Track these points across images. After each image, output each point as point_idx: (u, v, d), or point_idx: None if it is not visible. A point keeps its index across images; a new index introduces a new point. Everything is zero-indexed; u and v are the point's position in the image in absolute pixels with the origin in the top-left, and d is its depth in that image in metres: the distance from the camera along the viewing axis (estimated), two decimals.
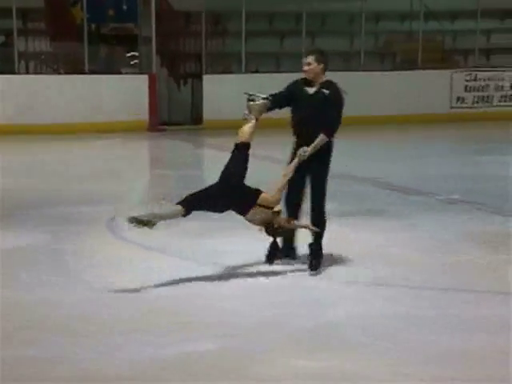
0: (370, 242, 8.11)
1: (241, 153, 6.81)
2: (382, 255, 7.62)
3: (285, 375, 4.96)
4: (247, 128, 6.86)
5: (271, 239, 6.85)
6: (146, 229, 6.61)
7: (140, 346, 5.36)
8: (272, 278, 6.85)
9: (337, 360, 5.16)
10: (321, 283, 6.76)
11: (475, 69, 20.45)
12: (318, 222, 7.01)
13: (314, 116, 6.90)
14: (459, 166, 13.51)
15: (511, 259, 7.49)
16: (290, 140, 7.19)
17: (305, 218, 7.17)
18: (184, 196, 6.72)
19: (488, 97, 20.48)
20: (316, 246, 7.09)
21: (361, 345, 5.41)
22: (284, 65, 20.21)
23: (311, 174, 6.98)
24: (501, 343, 5.37)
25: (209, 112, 18.36)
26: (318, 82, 7.03)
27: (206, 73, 18.73)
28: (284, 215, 6.92)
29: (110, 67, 19.38)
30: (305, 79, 7.08)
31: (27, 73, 18.70)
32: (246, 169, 6.76)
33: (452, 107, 20.21)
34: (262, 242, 7.14)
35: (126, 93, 17.85)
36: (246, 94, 6.95)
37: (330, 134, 6.95)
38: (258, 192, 6.70)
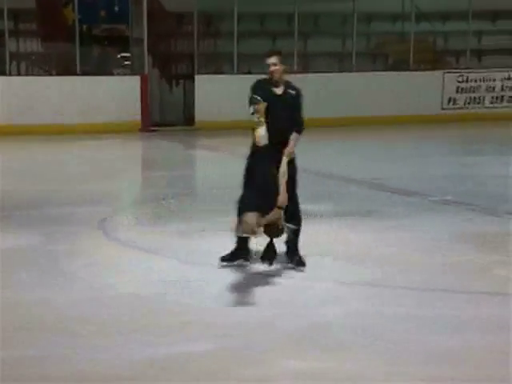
0: (367, 243, 8.12)
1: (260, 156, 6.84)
2: (379, 256, 7.63)
3: (283, 376, 4.95)
4: (263, 132, 6.84)
5: (267, 240, 6.84)
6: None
7: (139, 346, 5.36)
8: (269, 279, 6.86)
9: (335, 360, 5.16)
10: (319, 283, 6.76)
11: (467, 70, 20.49)
12: (294, 219, 7.01)
13: (287, 116, 6.98)
14: (452, 166, 13.53)
15: (509, 260, 7.50)
16: None
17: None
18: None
19: (479, 98, 20.51)
20: (293, 246, 7.13)
21: (359, 345, 5.41)
22: None
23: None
24: (500, 343, 5.37)
25: (201, 113, 18.35)
26: (281, 83, 7.06)
27: (198, 73, 18.71)
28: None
29: (101, 68, 19.35)
30: (266, 80, 7.08)
31: (19, 74, 18.65)
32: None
33: (444, 108, 20.24)
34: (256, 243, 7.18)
35: (117, 94, 17.82)
36: (255, 97, 6.94)
37: (301, 131, 7.05)
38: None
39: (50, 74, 19.19)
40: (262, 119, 6.83)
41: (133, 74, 18.75)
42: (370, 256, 7.60)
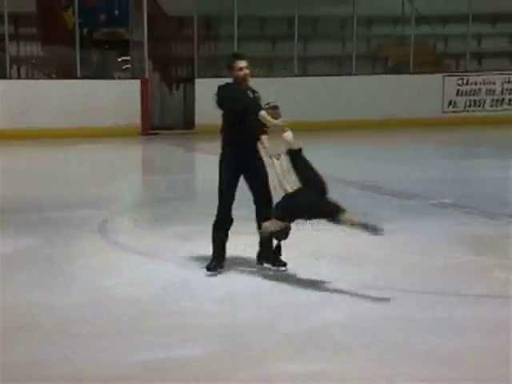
0: (366, 245, 8.10)
1: (302, 157, 6.84)
2: (379, 258, 7.64)
3: (282, 377, 4.96)
4: (291, 135, 6.84)
5: (275, 243, 6.93)
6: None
7: (138, 347, 5.38)
8: (267, 281, 6.88)
9: (335, 362, 5.17)
10: (316, 285, 6.76)
11: (467, 73, 20.49)
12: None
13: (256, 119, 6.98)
14: (451, 169, 13.53)
15: (508, 262, 7.50)
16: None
17: None
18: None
19: (480, 101, 20.51)
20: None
21: (359, 347, 5.42)
22: (276, 69, 20.24)
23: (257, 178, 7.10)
24: (500, 345, 5.39)
25: (201, 116, 18.33)
26: (248, 86, 7.07)
27: (198, 77, 18.72)
28: None
29: (102, 72, 19.38)
30: (236, 83, 7.04)
31: (19, 77, 18.67)
32: None
33: (444, 111, 20.24)
34: (254, 246, 7.19)
35: (118, 97, 17.83)
36: (273, 103, 6.96)
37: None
38: None
39: (51, 78, 19.20)
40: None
41: (133, 77, 18.78)
42: (370, 258, 7.61)
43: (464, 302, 6.40)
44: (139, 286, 6.78)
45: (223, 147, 7.11)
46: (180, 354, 5.28)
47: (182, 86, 19.61)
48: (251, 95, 7.04)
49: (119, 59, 20.54)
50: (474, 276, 7.13)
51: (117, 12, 19.91)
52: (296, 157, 6.81)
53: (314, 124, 17.54)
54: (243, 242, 7.52)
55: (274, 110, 6.91)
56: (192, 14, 18.65)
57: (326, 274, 7.03)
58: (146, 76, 18.35)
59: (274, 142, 7.05)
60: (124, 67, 20.24)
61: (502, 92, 20.58)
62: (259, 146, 7.09)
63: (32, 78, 18.97)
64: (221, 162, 7.11)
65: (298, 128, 7.18)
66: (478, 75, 20.49)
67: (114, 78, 19.45)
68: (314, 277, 6.95)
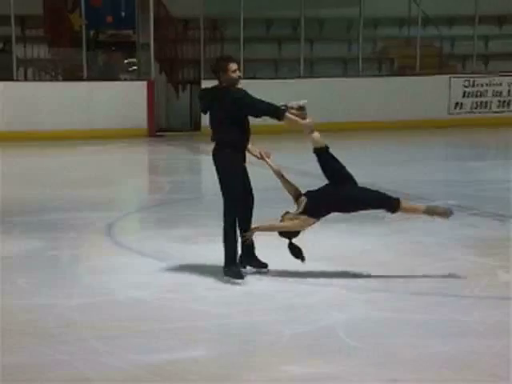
0: (370, 247, 8.12)
1: (330, 154, 7.02)
2: (382, 260, 7.63)
3: (287, 380, 4.96)
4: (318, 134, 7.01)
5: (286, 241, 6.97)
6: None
7: (141, 350, 5.37)
8: (272, 284, 6.87)
9: (338, 365, 5.16)
10: (322, 288, 6.76)
11: (473, 74, 20.46)
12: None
13: None
14: (457, 171, 13.52)
15: (508, 264, 7.48)
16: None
17: None
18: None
19: (486, 102, 20.48)
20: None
21: (363, 350, 5.41)
22: (282, 71, 20.25)
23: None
24: (503, 348, 5.38)
25: (207, 118, 18.31)
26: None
27: (205, 79, 18.70)
28: None
29: (108, 74, 19.40)
30: (226, 86, 7.02)
31: (26, 79, 18.71)
32: None
33: (450, 113, 20.21)
34: (258, 249, 7.18)
35: (124, 99, 17.85)
36: (303, 103, 6.97)
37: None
38: None
39: (57, 80, 19.25)
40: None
41: (139, 79, 18.80)
42: (373, 261, 7.60)
43: (468, 304, 6.39)
44: (144, 288, 6.78)
45: (225, 148, 6.98)
46: (185, 357, 5.28)
47: (188, 87, 19.61)
48: None
49: (125, 61, 20.58)
50: (479, 278, 7.10)
51: (123, 14, 19.92)
52: (323, 155, 6.97)
53: (320, 126, 17.50)
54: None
55: (301, 110, 6.95)
56: (198, 15, 18.66)
57: (330, 277, 7.02)
58: (153, 78, 18.36)
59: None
60: (130, 69, 20.27)
61: (508, 93, 20.53)
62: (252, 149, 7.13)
63: (38, 79, 18.99)
64: (227, 163, 7.01)
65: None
66: (485, 77, 20.47)
67: (120, 79, 19.48)
68: (317, 280, 6.94)
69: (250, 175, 7.13)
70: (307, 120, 6.92)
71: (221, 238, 7.06)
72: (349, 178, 6.99)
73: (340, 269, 7.27)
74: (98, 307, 6.30)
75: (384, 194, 7.01)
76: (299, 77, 19.06)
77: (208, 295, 6.60)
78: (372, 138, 17.84)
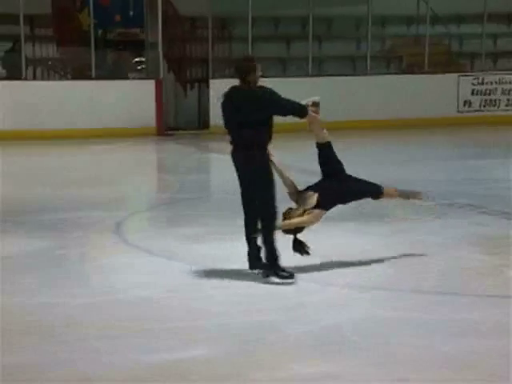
0: (377, 246, 8.11)
1: (331, 149, 7.27)
2: (389, 259, 7.61)
3: (291, 379, 4.96)
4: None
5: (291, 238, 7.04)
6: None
7: (145, 349, 5.38)
8: (268, 284, 6.84)
9: (344, 364, 5.16)
10: (328, 287, 6.76)
11: (482, 72, 20.42)
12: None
13: None
14: (466, 169, 13.49)
15: None
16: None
17: None
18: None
19: (495, 100, 20.44)
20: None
21: (357, 350, 5.40)
22: (290, 69, 20.24)
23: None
24: (500, 347, 5.37)
25: (215, 117, 18.31)
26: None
27: (213, 78, 18.74)
28: None
29: (116, 72, 19.43)
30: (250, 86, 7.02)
31: (34, 79, 18.75)
32: None
33: (459, 111, 20.18)
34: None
35: (132, 98, 17.89)
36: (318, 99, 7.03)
37: None
38: None
39: (66, 79, 19.30)
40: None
41: (147, 78, 18.83)
42: (380, 259, 7.59)
43: (477, 303, 6.38)
44: (151, 287, 6.78)
45: (260, 149, 6.92)
46: (186, 356, 5.28)
47: (196, 86, 19.63)
48: None
49: (134, 60, 20.62)
50: (487, 277, 7.10)
51: (131, 13, 19.99)
52: (326, 150, 7.25)
53: (328, 124, 17.47)
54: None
55: (315, 106, 7.09)
56: (206, 14, 18.68)
57: (336, 276, 7.02)
58: (161, 77, 18.39)
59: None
60: (138, 68, 20.31)
61: None
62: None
63: (47, 79, 19.04)
64: (266, 163, 6.94)
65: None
66: (494, 75, 20.42)
67: (128, 78, 19.51)
68: (323, 279, 6.95)
69: None
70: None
71: (231, 237, 7.07)
72: (343, 172, 7.32)
73: (341, 268, 7.27)
74: (104, 306, 6.31)
75: (372, 183, 7.47)
76: (308, 75, 19.05)
77: (211, 295, 6.60)
78: (380, 136, 17.81)
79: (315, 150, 7.32)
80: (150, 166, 15.54)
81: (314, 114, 7.03)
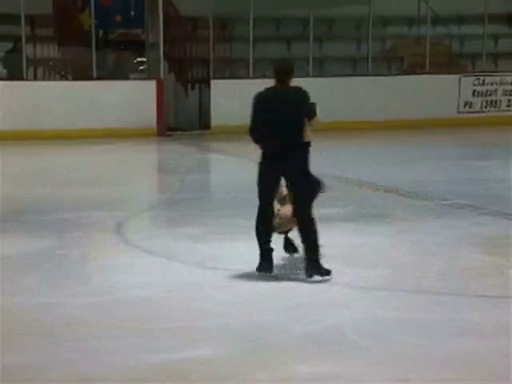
0: (378, 246, 8.12)
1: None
2: (390, 259, 7.64)
3: (294, 379, 4.96)
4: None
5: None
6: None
7: (146, 349, 5.38)
8: (279, 283, 6.86)
9: (346, 364, 5.15)
10: (320, 288, 6.74)
11: (483, 73, 20.42)
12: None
13: None
14: (467, 170, 13.50)
15: None
16: None
17: None
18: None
19: (496, 101, 20.44)
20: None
21: (357, 350, 5.40)
22: None
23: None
24: (500, 347, 5.36)
25: (216, 117, 18.38)
26: None
27: (214, 78, 18.75)
28: None
29: (117, 73, 19.43)
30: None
31: (35, 79, 18.76)
32: None
33: (460, 112, 20.18)
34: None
35: (133, 98, 17.89)
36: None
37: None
38: None
39: (67, 79, 19.31)
40: None
41: (148, 78, 18.83)
42: (381, 260, 7.61)
43: (477, 303, 6.38)
44: (152, 286, 6.78)
45: (304, 149, 6.89)
46: (190, 356, 5.27)
47: (197, 86, 19.63)
48: None
49: (135, 60, 20.62)
50: (487, 277, 7.10)
51: (132, 13, 20.00)
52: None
53: (329, 124, 17.51)
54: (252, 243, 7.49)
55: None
56: (207, 15, 18.68)
57: (338, 275, 7.00)
58: (162, 77, 18.39)
59: None
60: (139, 68, 20.31)
61: None
62: None
63: (48, 79, 19.04)
64: (308, 164, 6.94)
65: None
66: (494, 76, 20.42)
67: (129, 79, 19.52)
68: (326, 278, 6.94)
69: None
70: None
71: (232, 237, 7.07)
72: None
73: (342, 268, 7.26)
74: (105, 306, 6.31)
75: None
76: (308, 76, 19.04)
77: (211, 295, 6.59)
78: (380, 137, 17.83)
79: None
80: (150, 167, 15.54)
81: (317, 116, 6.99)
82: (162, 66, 18.47)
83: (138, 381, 4.93)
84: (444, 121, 19.48)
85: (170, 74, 19.36)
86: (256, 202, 7.02)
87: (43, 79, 18.92)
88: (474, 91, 20.24)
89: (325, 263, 6.98)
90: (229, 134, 17.36)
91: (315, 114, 6.88)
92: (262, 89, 6.99)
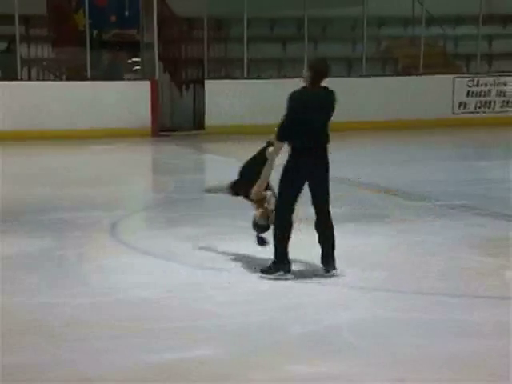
0: (377, 247, 8.12)
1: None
2: (389, 260, 7.63)
3: (291, 380, 4.95)
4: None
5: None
6: None
7: (145, 349, 5.36)
8: (278, 283, 6.84)
9: (345, 365, 5.15)
10: (329, 288, 6.76)
11: (477, 74, 20.47)
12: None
13: None
14: (461, 171, 13.53)
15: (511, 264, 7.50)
16: None
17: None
18: None
19: (490, 102, 20.48)
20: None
21: (357, 350, 5.39)
22: (286, 70, 20.26)
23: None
24: (500, 347, 5.37)
25: (211, 117, 18.39)
26: None
27: (208, 78, 18.75)
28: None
29: (112, 73, 19.42)
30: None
31: (30, 79, 18.74)
32: None
33: (454, 112, 20.22)
34: (260, 247, 7.20)
35: (128, 99, 17.90)
36: None
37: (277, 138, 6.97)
38: None
39: (61, 79, 19.29)
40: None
41: (143, 78, 18.83)
42: (381, 260, 7.60)
43: (477, 304, 6.38)
44: (150, 287, 6.77)
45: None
46: (190, 356, 5.26)
47: (192, 87, 19.65)
48: None
49: (129, 61, 20.62)
50: (487, 277, 7.09)
51: (127, 13, 19.98)
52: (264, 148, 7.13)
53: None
54: (251, 244, 7.47)
55: None
56: (202, 15, 18.70)
57: (337, 276, 7.01)
58: (156, 77, 18.38)
59: None
60: (134, 68, 20.30)
61: None
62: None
63: (42, 79, 19.02)
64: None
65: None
66: (489, 76, 20.46)
67: (124, 79, 19.51)
68: (324, 279, 6.93)
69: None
70: None
71: (231, 238, 7.06)
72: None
73: (342, 268, 7.26)
74: (104, 306, 6.29)
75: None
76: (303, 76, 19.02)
77: (211, 295, 6.58)
78: (376, 138, 17.86)
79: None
80: (145, 167, 15.56)
81: None
82: (157, 66, 18.47)
83: (138, 381, 4.92)
84: (438, 121, 19.52)
85: (164, 75, 19.38)
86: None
87: (37, 79, 18.89)
88: (468, 92, 20.29)
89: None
90: (223, 133, 17.41)
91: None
92: (297, 88, 7.05)
